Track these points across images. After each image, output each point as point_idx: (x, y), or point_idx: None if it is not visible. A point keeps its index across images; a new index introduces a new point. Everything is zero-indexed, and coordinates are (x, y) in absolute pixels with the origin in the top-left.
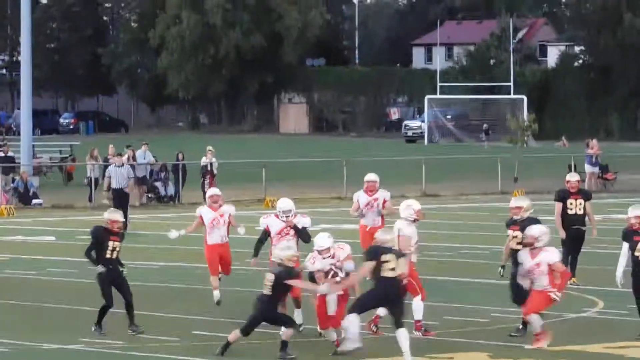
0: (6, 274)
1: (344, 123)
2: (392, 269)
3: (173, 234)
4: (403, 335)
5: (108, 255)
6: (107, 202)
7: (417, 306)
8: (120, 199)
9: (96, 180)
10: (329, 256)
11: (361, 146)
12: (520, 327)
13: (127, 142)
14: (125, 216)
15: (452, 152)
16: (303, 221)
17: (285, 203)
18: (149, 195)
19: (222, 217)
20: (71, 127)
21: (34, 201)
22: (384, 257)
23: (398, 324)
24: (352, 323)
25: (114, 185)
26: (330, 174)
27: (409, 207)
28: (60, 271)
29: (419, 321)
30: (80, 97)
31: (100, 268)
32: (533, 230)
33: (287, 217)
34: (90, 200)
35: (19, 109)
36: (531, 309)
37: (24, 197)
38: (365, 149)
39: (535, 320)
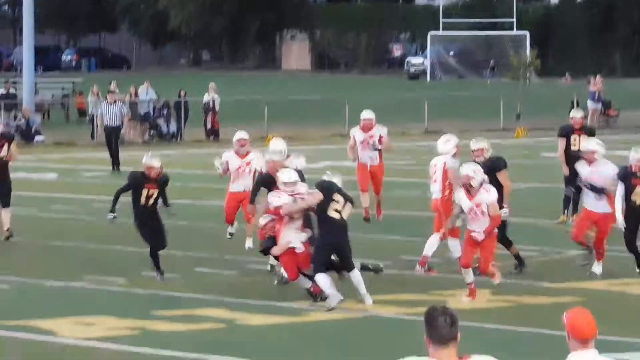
0: None
1: (346, 60)
2: (337, 211)
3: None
4: (357, 278)
5: (142, 202)
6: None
7: (431, 243)
8: (111, 137)
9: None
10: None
11: (363, 83)
12: (516, 266)
13: (129, 79)
14: (117, 153)
15: (455, 89)
16: (297, 162)
17: (276, 144)
18: (151, 133)
19: (248, 165)
20: (73, 64)
21: (36, 138)
22: (335, 197)
23: (350, 267)
24: (324, 282)
25: (105, 122)
26: (333, 112)
27: (449, 141)
28: (63, 208)
29: (425, 257)
30: (82, 34)
31: (109, 215)
32: (466, 169)
33: (279, 158)
34: (92, 137)
35: (20, 45)
36: (486, 266)
37: (26, 135)
38: (368, 86)
39: (469, 273)
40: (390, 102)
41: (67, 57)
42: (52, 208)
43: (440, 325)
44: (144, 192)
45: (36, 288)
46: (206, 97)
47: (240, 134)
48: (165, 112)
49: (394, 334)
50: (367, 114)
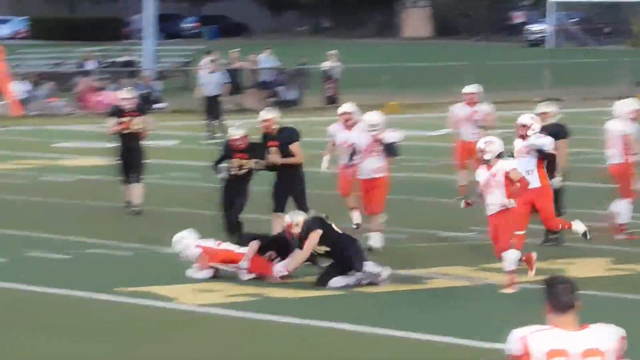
0: None
1: (467, 27)
2: (338, 228)
3: (324, 164)
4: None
5: (233, 172)
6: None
7: (625, 209)
8: (211, 106)
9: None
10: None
11: (483, 50)
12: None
13: (250, 47)
14: (220, 122)
15: (576, 56)
16: (392, 136)
17: (372, 117)
18: (271, 100)
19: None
20: (194, 31)
21: (157, 105)
22: (329, 223)
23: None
24: (339, 284)
25: (205, 92)
26: (453, 79)
27: (625, 104)
28: (183, 175)
29: (623, 225)
30: (203, 1)
31: (222, 172)
32: (479, 142)
33: (374, 131)
34: None
35: (140, 13)
36: (503, 247)
37: (147, 102)
38: (488, 53)
39: (509, 256)
40: (511, 70)
41: (187, 24)
42: (172, 175)
43: (560, 293)
44: (234, 162)
45: (157, 255)
46: (326, 65)
47: (345, 107)
48: (285, 79)
49: (513, 303)
50: (470, 88)
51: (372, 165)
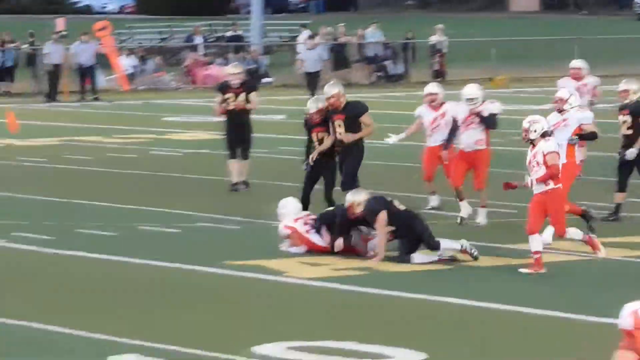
0: None
1: (575, 1)
2: (400, 204)
3: (392, 139)
4: (445, 245)
5: (315, 147)
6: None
7: None
8: (310, 81)
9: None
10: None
11: (592, 24)
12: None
13: (357, 21)
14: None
15: None
16: (490, 107)
17: (469, 90)
18: (378, 74)
19: (444, 117)
20: (301, 5)
21: (264, 80)
22: (388, 201)
23: (435, 245)
24: (422, 260)
25: (306, 68)
26: (560, 53)
27: None
28: (291, 149)
29: None
30: None
31: (303, 166)
32: (524, 122)
33: (473, 104)
34: None
35: None
36: (561, 228)
37: (255, 76)
38: (597, 26)
39: (573, 233)
40: (619, 43)
41: None
42: (280, 149)
43: None
44: (314, 137)
45: (264, 229)
46: (433, 39)
47: (430, 88)
48: (392, 53)
49: (622, 277)
50: (577, 63)
51: (472, 138)
